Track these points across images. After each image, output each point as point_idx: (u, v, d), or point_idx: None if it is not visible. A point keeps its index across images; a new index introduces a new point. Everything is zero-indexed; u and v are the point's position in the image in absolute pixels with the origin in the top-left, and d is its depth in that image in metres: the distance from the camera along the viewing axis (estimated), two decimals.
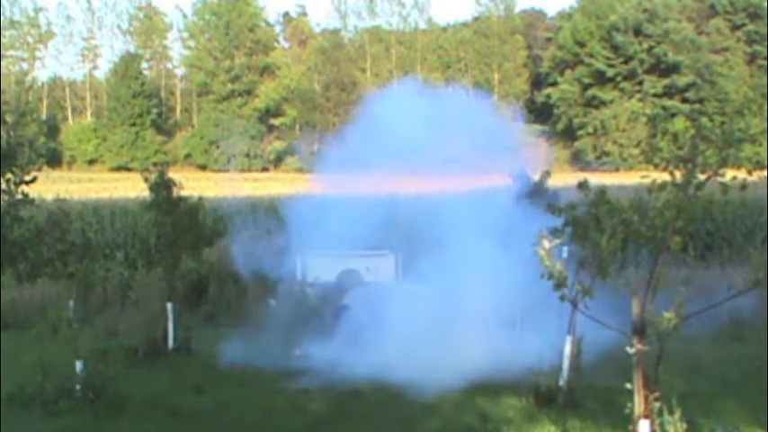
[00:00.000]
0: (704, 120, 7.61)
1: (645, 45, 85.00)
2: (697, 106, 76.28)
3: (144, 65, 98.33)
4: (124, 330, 14.68)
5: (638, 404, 7.45)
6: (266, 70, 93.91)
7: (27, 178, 11.29)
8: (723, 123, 7.54)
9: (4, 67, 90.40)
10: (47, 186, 13.83)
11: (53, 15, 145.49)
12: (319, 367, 13.49)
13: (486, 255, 11.40)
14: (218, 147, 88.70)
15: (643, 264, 8.21)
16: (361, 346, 13.29)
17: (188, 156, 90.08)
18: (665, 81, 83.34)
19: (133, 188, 29.38)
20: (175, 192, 14.93)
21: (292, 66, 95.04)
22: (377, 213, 15.89)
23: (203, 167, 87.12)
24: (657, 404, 7.63)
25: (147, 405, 10.93)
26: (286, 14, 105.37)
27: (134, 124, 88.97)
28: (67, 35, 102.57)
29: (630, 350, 7.46)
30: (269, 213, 24.32)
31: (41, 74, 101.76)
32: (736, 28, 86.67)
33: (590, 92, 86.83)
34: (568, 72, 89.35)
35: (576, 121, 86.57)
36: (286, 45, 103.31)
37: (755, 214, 23.43)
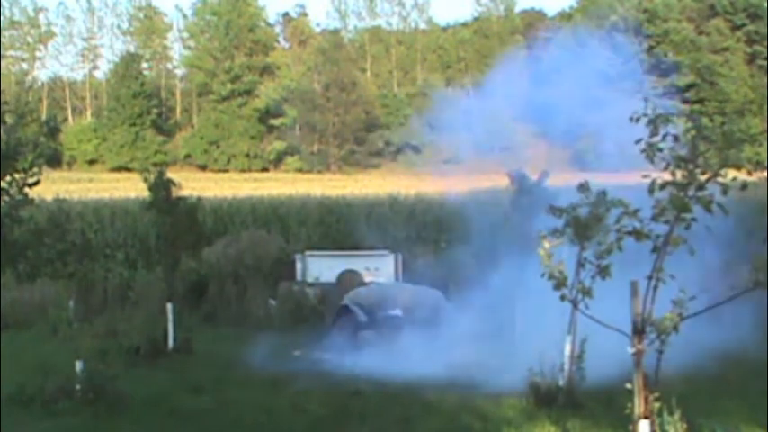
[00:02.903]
0: (705, 120, 7.58)
1: (645, 45, 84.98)
2: (697, 106, 76.25)
3: (144, 65, 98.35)
4: (124, 330, 14.66)
5: (638, 404, 7.44)
6: (266, 70, 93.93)
7: (30, 181, 11.29)
8: (723, 124, 7.52)
9: (4, 67, 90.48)
10: (47, 186, 13.79)
11: (53, 15, 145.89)
12: (319, 367, 13.52)
13: None
14: (218, 147, 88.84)
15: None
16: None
17: (188, 156, 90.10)
18: (665, 81, 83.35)
19: (133, 188, 29.41)
20: (174, 192, 14.93)
21: (292, 66, 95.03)
22: None
23: (203, 167, 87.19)
24: (657, 404, 7.63)
25: (147, 405, 10.93)
26: (286, 14, 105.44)
27: (134, 124, 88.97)
28: (67, 35, 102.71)
29: (630, 350, 7.45)
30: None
31: (41, 74, 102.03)
32: (736, 28, 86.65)
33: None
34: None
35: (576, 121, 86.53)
36: (286, 45, 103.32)
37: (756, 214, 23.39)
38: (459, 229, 24.45)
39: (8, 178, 11.11)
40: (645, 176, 7.50)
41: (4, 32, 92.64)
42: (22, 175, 11.19)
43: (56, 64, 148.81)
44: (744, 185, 7.28)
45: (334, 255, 19.83)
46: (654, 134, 7.53)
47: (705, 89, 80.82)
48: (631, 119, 7.63)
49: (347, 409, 10.84)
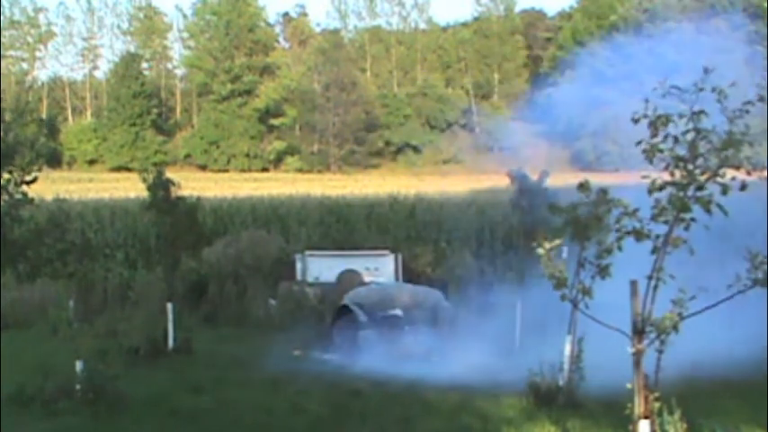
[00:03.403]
0: (705, 120, 7.58)
1: (645, 45, 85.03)
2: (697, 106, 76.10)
3: (144, 65, 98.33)
4: (124, 330, 14.65)
5: (638, 404, 7.45)
6: (266, 70, 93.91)
7: (28, 178, 11.28)
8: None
9: (4, 67, 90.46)
10: (47, 186, 13.81)
11: (53, 15, 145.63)
12: (319, 367, 13.52)
13: None
14: (218, 147, 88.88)
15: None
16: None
17: (188, 156, 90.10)
18: (665, 81, 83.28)
19: (133, 188, 29.43)
20: (174, 192, 14.91)
21: (292, 66, 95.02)
22: None
23: (203, 167, 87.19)
24: (657, 404, 7.63)
25: (147, 405, 10.93)
26: (286, 14, 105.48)
27: (134, 124, 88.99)
28: (67, 35, 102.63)
29: (630, 350, 7.46)
30: None
31: (41, 74, 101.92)
32: (736, 28, 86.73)
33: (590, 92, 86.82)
34: (568, 72, 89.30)
35: (576, 120, 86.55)
36: (286, 45, 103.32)
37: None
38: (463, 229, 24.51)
39: (6, 176, 11.11)
40: (644, 177, 7.50)
41: (4, 32, 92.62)
42: (20, 172, 11.19)
43: (56, 64, 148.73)
44: (743, 185, 7.28)
45: (334, 255, 19.80)
46: (654, 135, 7.53)
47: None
48: (632, 119, 7.63)
49: (347, 409, 10.84)
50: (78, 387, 10.95)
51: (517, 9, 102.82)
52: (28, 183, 11.22)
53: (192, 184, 21.01)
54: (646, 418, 7.40)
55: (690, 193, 7.35)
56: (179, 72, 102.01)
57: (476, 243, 24.41)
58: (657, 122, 7.52)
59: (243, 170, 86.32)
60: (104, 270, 21.26)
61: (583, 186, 8.20)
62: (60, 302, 15.27)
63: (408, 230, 24.80)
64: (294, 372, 12.96)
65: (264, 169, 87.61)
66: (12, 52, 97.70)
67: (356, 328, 15.06)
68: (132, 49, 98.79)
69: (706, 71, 7.35)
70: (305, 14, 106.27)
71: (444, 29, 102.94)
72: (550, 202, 8.77)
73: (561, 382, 10.62)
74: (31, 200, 11.36)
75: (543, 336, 12.17)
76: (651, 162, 7.53)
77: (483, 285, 18.81)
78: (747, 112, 7.25)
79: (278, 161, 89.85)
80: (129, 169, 77.04)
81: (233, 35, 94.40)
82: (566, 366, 10.64)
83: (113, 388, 10.95)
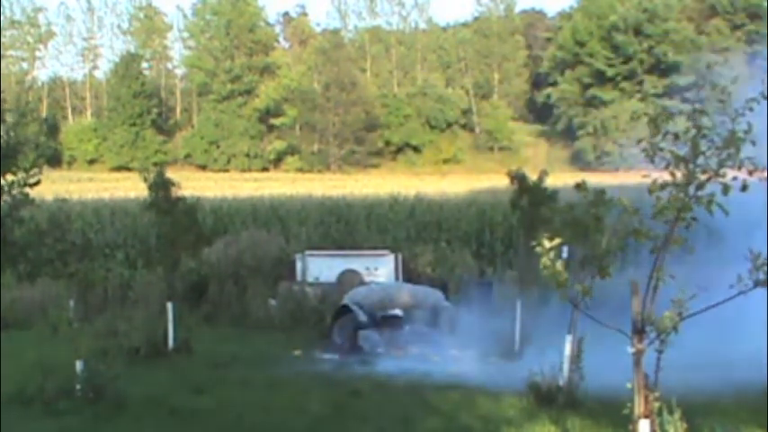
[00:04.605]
0: (705, 120, 7.57)
1: (645, 45, 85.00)
2: (697, 106, 75.97)
3: (144, 65, 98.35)
4: (124, 330, 14.66)
5: (638, 404, 7.44)
6: (266, 70, 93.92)
7: (31, 180, 11.26)
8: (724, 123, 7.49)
9: (4, 67, 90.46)
10: (47, 186, 13.75)
11: (53, 15, 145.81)
12: (319, 367, 13.53)
13: None
14: (218, 147, 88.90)
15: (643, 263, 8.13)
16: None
17: (188, 156, 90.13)
18: (665, 81, 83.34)
19: (133, 188, 29.44)
20: (174, 191, 14.91)
21: (292, 66, 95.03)
22: None
23: (203, 167, 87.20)
24: (657, 404, 7.63)
25: (147, 405, 10.93)
26: (286, 14, 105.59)
27: (134, 124, 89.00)
28: (67, 35, 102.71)
29: (630, 350, 7.45)
30: None
31: (41, 74, 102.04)
32: (736, 28, 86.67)
33: (590, 92, 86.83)
34: (568, 72, 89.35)
35: (576, 121, 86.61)
36: (286, 45, 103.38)
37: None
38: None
39: (9, 177, 11.10)
40: (645, 176, 7.49)
41: (4, 32, 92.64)
42: (23, 174, 11.18)
43: (56, 64, 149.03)
44: (744, 186, 7.26)
45: (334, 255, 19.83)
46: (655, 133, 7.51)
47: (705, 89, 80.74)
48: (632, 117, 7.61)
49: (347, 409, 10.84)
50: (78, 387, 10.95)
51: (517, 9, 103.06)
52: (32, 185, 11.21)
53: (192, 184, 21.03)
54: (646, 417, 7.40)
55: (690, 192, 7.34)
56: (179, 72, 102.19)
57: (476, 243, 24.43)
58: (659, 119, 7.50)
59: (243, 170, 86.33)
60: (104, 270, 21.22)
61: (580, 187, 8.18)
62: (60, 302, 15.24)
63: (408, 230, 24.81)
64: (294, 372, 12.96)
65: (264, 169, 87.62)
66: (12, 52, 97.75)
67: (356, 328, 15.07)
68: (132, 49, 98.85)
69: (708, 66, 7.33)
70: (305, 14, 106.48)
71: (444, 29, 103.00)
72: (549, 203, 8.76)
73: (561, 382, 10.62)
74: (32, 200, 11.35)
75: (543, 335, 12.17)
76: (652, 161, 7.51)
77: (483, 285, 18.84)
78: (751, 109, 7.22)
79: (278, 161, 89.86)
80: (129, 169, 77.05)
81: (233, 35, 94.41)
82: (566, 366, 10.64)
83: (113, 388, 10.95)
